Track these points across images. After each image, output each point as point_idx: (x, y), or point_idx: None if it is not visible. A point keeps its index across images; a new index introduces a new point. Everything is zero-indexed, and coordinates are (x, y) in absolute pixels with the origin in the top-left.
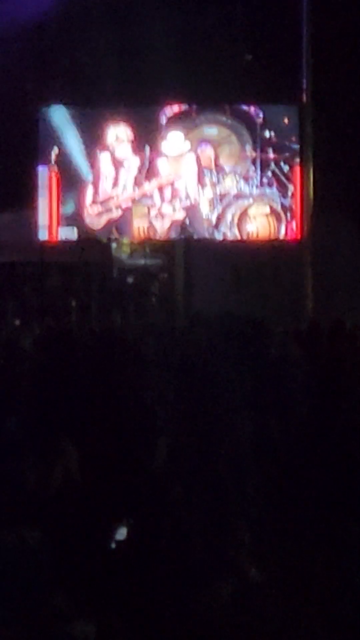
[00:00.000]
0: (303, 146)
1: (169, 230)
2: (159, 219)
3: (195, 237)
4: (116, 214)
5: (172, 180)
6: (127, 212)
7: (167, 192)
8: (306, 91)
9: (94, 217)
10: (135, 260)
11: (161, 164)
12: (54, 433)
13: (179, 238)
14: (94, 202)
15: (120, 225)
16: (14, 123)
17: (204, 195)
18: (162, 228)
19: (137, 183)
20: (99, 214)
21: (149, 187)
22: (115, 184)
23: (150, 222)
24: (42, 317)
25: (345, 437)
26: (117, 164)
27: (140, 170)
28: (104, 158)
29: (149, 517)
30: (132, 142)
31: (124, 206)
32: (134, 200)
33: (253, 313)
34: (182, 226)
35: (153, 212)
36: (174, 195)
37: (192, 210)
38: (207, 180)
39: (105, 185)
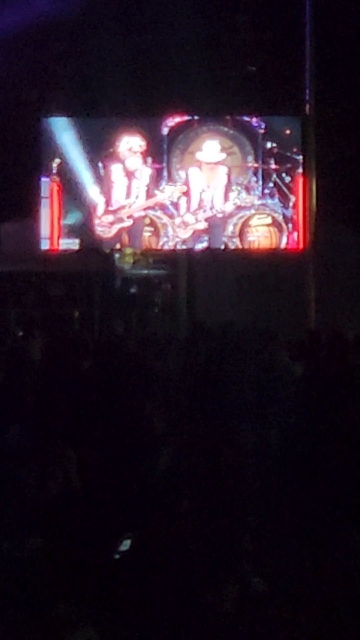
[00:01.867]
0: (306, 157)
1: (189, 240)
2: (181, 227)
3: (212, 247)
4: (127, 223)
5: (191, 189)
6: (138, 222)
7: (194, 202)
8: (309, 102)
9: (106, 227)
10: (138, 270)
11: (192, 172)
12: (56, 442)
13: (182, 249)
14: (106, 211)
15: (131, 234)
16: (16, 134)
17: (225, 210)
18: (183, 236)
19: (148, 193)
20: (111, 223)
21: (164, 195)
22: (128, 193)
23: (156, 233)
24: (45, 326)
25: (347, 447)
26: (129, 174)
27: (151, 180)
28: (115, 168)
29: (150, 525)
30: (144, 152)
31: (135, 215)
32: (145, 210)
33: (255, 323)
34: (201, 236)
35: (177, 221)
36: (200, 205)
37: (212, 221)
38: (231, 195)
39: (118, 195)
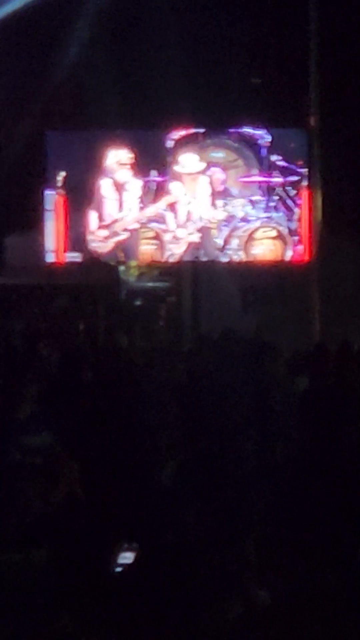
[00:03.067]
0: (311, 169)
1: (185, 253)
2: (175, 243)
3: (205, 259)
4: (123, 236)
5: (177, 201)
6: (133, 234)
7: (182, 215)
8: (314, 115)
9: (101, 241)
10: (142, 283)
11: (173, 186)
12: (60, 454)
13: (187, 260)
14: (100, 226)
15: (127, 247)
16: (21, 147)
17: (215, 218)
18: (178, 251)
19: (142, 205)
20: (106, 238)
21: (155, 208)
22: (120, 206)
23: (160, 245)
24: (49, 339)
25: (350, 458)
26: (119, 187)
27: (145, 192)
28: (105, 182)
29: (154, 536)
30: (134, 165)
31: (130, 228)
32: (140, 222)
33: (260, 335)
34: (197, 248)
35: (168, 236)
36: (189, 217)
37: (204, 232)
38: (218, 203)
39: (111, 208)
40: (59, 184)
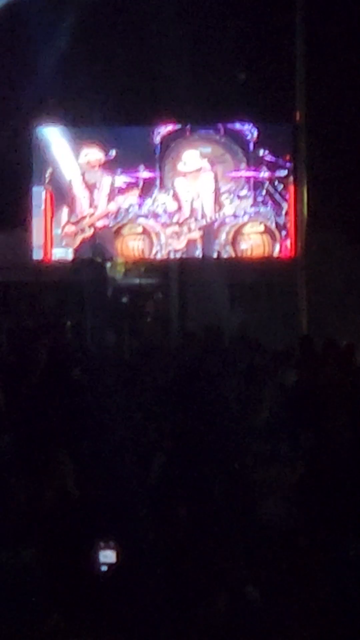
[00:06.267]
0: (297, 165)
1: (185, 249)
2: (175, 238)
3: (203, 256)
4: (88, 233)
5: (179, 198)
6: (105, 232)
7: (185, 212)
8: (300, 110)
9: (70, 237)
10: (129, 280)
11: (177, 182)
12: (49, 451)
13: (175, 258)
14: (67, 222)
15: (96, 244)
16: (8, 143)
17: (220, 214)
18: (178, 247)
19: (111, 201)
20: (74, 234)
21: (115, 204)
22: (91, 204)
23: (149, 241)
24: (37, 336)
25: (339, 453)
26: (89, 185)
27: (131, 187)
28: (76, 180)
29: (143, 533)
30: (102, 165)
31: (98, 225)
32: (109, 218)
33: (247, 331)
34: (196, 245)
35: (169, 230)
36: (192, 214)
37: (205, 229)
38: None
39: (82, 206)
40: (47, 180)
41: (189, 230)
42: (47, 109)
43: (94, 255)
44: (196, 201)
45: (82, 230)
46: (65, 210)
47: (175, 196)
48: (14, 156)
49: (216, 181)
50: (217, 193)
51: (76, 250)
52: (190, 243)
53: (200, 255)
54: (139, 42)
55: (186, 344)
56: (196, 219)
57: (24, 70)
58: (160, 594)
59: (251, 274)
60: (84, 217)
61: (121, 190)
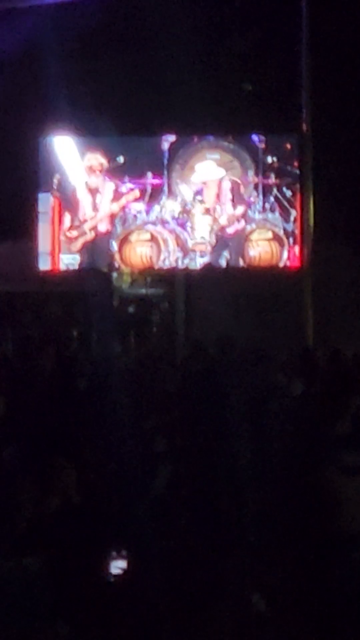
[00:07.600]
0: (303, 174)
1: (193, 256)
2: (188, 247)
3: (210, 265)
4: (90, 236)
5: (190, 206)
6: (103, 238)
7: (199, 220)
8: (306, 120)
9: (71, 242)
10: (135, 290)
11: (185, 189)
12: (55, 460)
13: (181, 268)
14: (71, 226)
15: (95, 248)
16: (15, 151)
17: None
18: (191, 256)
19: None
20: (76, 238)
21: (109, 208)
22: (94, 208)
23: (157, 248)
24: (43, 346)
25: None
26: (91, 191)
27: (140, 195)
28: (79, 185)
29: (148, 542)
30: (104, 171)
31: (99, 229)
32: (110, 219)
33: (253, 342)
34: (210, 253)
35: (191, 243)
36: (201, 220)
37: (219, 238)
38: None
39: (85, 210)
40: (55, 186)
41: (202, 238)
42: (55, 119)
43: (94, 263)
44: (205, 207)
45: (84, 233)
46: (68, 217)
47: (183, 203)
48: (19, 166)
49: (232, 189)
50: (235, 201)
51: (79, 252)
52: (198, 250)
53: (208, 262)
54: (146, 54)
55: (193, 354)
56: (210, 228)
57: (31, 80)
58: (165, 604)
59: (257, 283)
60: (85, 221)
61: (125, 195)
